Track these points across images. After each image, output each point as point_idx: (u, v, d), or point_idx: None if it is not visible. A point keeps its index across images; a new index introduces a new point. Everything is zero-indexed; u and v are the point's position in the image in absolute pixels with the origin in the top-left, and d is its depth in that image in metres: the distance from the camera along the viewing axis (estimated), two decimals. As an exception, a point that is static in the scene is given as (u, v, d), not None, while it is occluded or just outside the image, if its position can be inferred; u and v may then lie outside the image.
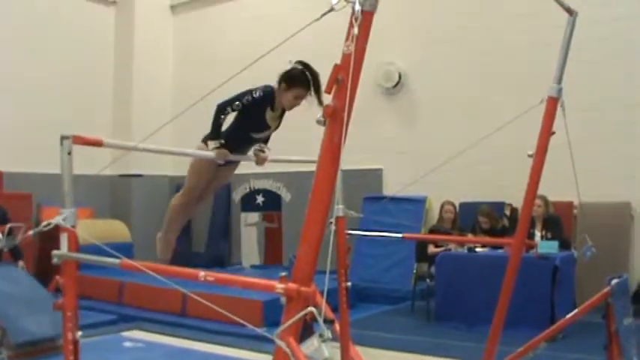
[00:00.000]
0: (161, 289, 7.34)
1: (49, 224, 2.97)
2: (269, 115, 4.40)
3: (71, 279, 3.03)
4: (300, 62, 4.22)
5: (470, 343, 6.14)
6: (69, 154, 2.99)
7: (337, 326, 4.23)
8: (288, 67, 4.24)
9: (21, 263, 7.33)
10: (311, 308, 2.11)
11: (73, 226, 3.00)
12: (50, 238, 3.14)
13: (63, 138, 2.99)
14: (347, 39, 2.21)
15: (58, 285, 3.06)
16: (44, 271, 7.28)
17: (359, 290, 8.50)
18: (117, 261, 2.84)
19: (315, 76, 4.12)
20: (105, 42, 12.10)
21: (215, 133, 4.30)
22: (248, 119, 4.36)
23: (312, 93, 4.14)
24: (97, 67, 11.86)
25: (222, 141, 4.28)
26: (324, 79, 2.26)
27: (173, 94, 12.46)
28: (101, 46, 12.00)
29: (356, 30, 2.18)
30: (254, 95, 4.26)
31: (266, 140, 4.59)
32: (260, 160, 4.53)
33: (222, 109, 4.27)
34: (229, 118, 4.36)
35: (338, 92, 2.23)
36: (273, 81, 4.33)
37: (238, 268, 11.19)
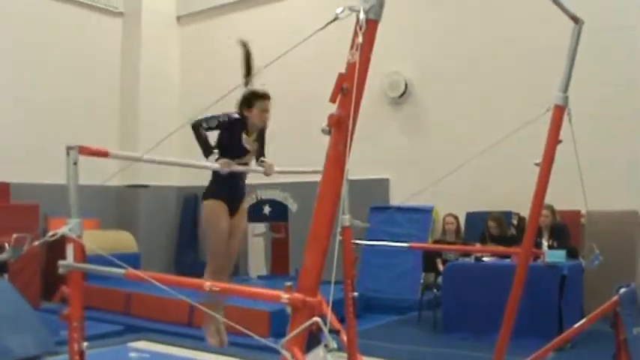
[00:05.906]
0: (168, 300, 7.32)
1: (54, 234, 2.98)
2: (245, 139, 4.57)
3: (77, 289, 3.03)
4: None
5: (477, 353, 6.10)
6: (75, 164, 3.00)
7: (344, 336, 4.22)
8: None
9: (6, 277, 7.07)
10: (316, 318, 2.10)
11: (79, 237, 3.00)
12: (57, 248, 3.14)
13: (69, 148, 3.00)
14: (352, 47, 2.21)
15: (63, 295, 3.06)
16: (51, 282, 7.26)
17: (366, 300, 8.47)
18: (122, 271, 2.84)
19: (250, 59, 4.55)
20: (112, 53, 12.16)
21: (207, 148, 4.41)
22: (229, 148, 4.48)
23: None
24: (103, 78, 11.90)
25: (217, 151, 4.35)
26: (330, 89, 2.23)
27: (180, 105, 12.47)
28: (108, 56, 12.05)
29: (360, 39, 2.18)
30: (221, 120, 4.42)
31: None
32: (268, 169, 4.59)
33: (197, 127, 4.38)
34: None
35: (343, 101, 2.22)
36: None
37: (245, 279, 11.17)
